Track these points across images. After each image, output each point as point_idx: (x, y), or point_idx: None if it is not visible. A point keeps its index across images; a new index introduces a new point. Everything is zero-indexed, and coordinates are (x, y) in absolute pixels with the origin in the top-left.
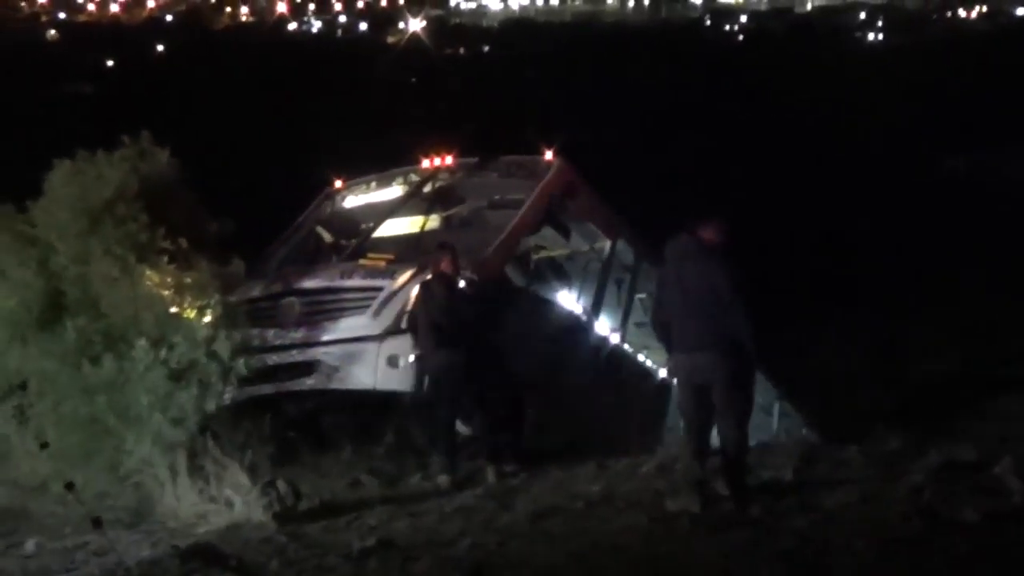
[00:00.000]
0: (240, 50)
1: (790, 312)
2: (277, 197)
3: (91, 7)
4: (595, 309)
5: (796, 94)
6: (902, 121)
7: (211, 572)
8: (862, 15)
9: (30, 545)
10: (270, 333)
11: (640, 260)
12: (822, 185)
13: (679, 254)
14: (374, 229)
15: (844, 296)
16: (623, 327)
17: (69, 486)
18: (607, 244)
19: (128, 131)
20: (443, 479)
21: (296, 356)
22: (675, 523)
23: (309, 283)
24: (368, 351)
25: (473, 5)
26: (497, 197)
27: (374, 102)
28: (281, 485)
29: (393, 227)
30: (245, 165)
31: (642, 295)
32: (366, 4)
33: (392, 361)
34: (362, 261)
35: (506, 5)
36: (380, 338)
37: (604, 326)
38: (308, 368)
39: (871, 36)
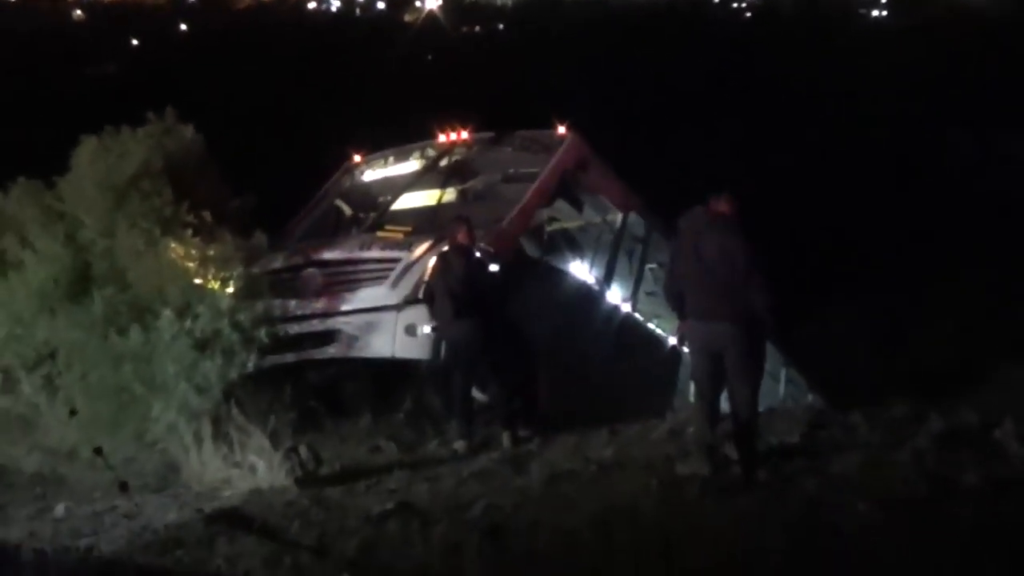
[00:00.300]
0: (261, 29)
1: (799, 285)
2: (298, 172)
3: None
4: (607, 279)
5: (802, 72)
6: (904, 98)
7: (235, 535)
8: None
9: (60, 509)
10: (292, 303)
11: (651, 231)
12: (830, 164)
13: (696, 226)
14: (392, 202)
15: (851, 270)
16: (634, 296)
17: (98, 452)
18: (619, 216)
19: (153, 108)
20: (460, 444)
21: (317, 325)
22: (686, 486)
23: (329, 255)
24: (387, 320)
25: None
26: (512, 171)
27: (392, 79)
28: (303, 451)
29: (410, 200)
30: (267, 141)
31: (652, 265)
32: None
33: (410, 330)
34: (380, 233)
35: None
36: (398, 308)
37: (616, 295)
38: (329, 337)
39: (875, 13)
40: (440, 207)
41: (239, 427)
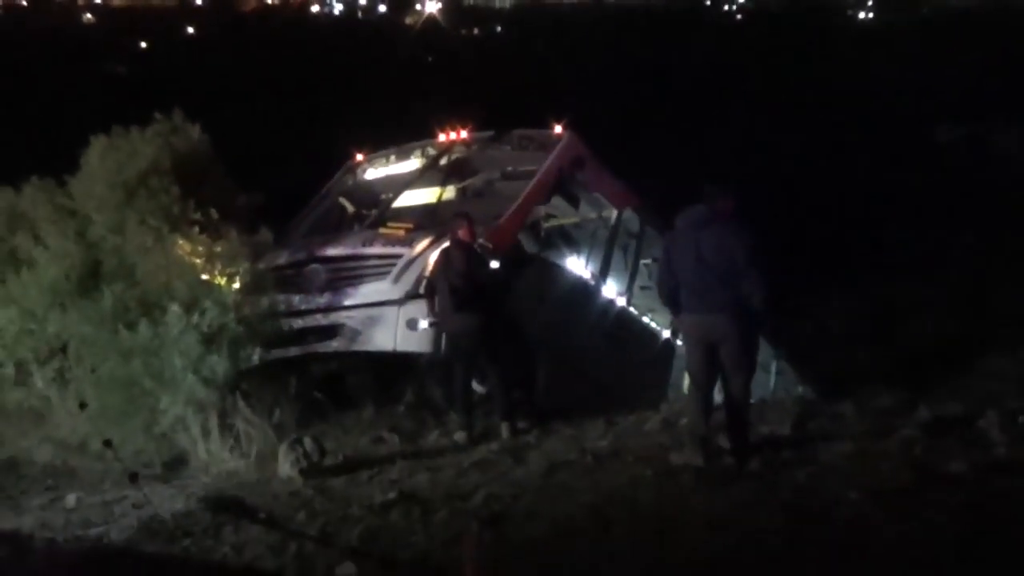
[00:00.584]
0: (266, 31)
1: (789, 276)
2: (302, 170)
3: None
4: (603, 274)
5: (792, 70)
6: (895, 95)
7: (241, 524)
8: None
9: (71, 499)
10: (296, 298)
11: (645, 227)
12: (819, 156)
13: (696, 222)
14: (393, 199)
15: (840, 261)
16: (629, 291)
17: (107, 444)
18: (614, 212)
19: (161, 108)
20: (460, 436)
21: (321, 320)
22: (680, 476)
23: (333, 251)
24: (388, 315)
25: None
26: (510, 169)
27: (393, 80)
28: (307, 442)
29: (411, 198)
30: (272, 140)
31: (647, 260)
32: None
33: (411, 324)
34: (382, 230)
35: None
36: (400, 302)
37: (611, 290)
38: (332, 331)
39: (862, 15)
40: (440, 204)
41: (245, 419)
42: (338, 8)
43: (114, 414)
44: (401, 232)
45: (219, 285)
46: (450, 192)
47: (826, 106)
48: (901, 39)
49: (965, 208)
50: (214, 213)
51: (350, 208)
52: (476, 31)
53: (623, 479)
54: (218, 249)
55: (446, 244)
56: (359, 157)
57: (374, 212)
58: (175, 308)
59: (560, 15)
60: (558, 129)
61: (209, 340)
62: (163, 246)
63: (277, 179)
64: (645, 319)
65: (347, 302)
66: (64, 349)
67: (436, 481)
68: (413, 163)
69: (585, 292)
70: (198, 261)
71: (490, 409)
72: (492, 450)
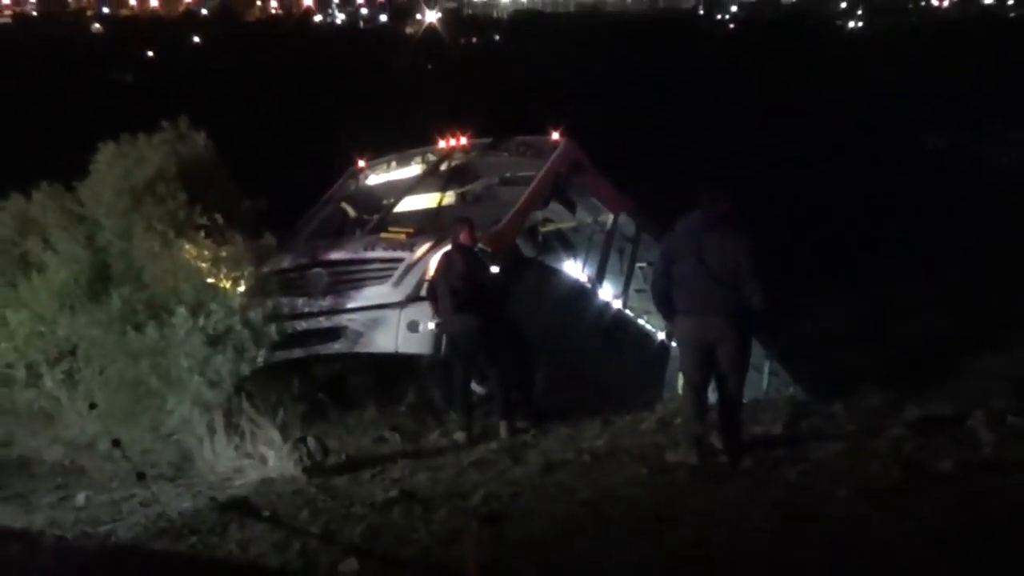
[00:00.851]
0: (270, 40)
1: (786, 278)
2: (305, 176)
3: (132, 2)
4: (599, 277)
5: (785, 78)
6: (885, 103)
7: (247, 521)
8: (843, 4)
9: (81, 498)
10: (299, 301)
11: (640, 232)
12: (813, 161)
13: (700, 225)
14: (394, 205)
15: (832, 264)
16: (625, 294)
17: (116, 443)
18: (610, 217)
19: (167, 116)
20: (460, 435)
21: (324, 322)
22: (675, 474)
23: (335, 255)
24: (390, 317)
25: None
26: (508, 174)
27: (394, 88)
28: (311, 441)
29: (412, 203)
30: (276, 146)
31: (642, 264)
32: None
33: (412, 326)
34: (384, 234)
35: None
36: (401, 305)
37: (607, 293)
38: (335, 333)
39: (851, 24)
40: (440, 209)
41: (250, 419)
42: (340, 17)
43: (122, 414)
44: (402, 237)
45: (224, 289)
46: (450, 197)
47: (816, 112)
48: (889, 48)
49: (956, 212)
50: (219, 218)
51: (352, 213)
52: (475, 40)
53: (619, 478)
54: (223, 253)
55: (447, 248)
56: (361, 163)
57: (376, 217)
58: (181, 311)
59: (557, 24)
60: (555, 136)
61: (215, 342)
62: (170, 251)
63: (280, 185)
64: (640, 321)
65: (349, 305)
66: (73, 351)
67: (436, 480)
68: (414, 169)
69: (582, 295)
70: (204, 265)
71: (489, 409)
72: (491, 449)
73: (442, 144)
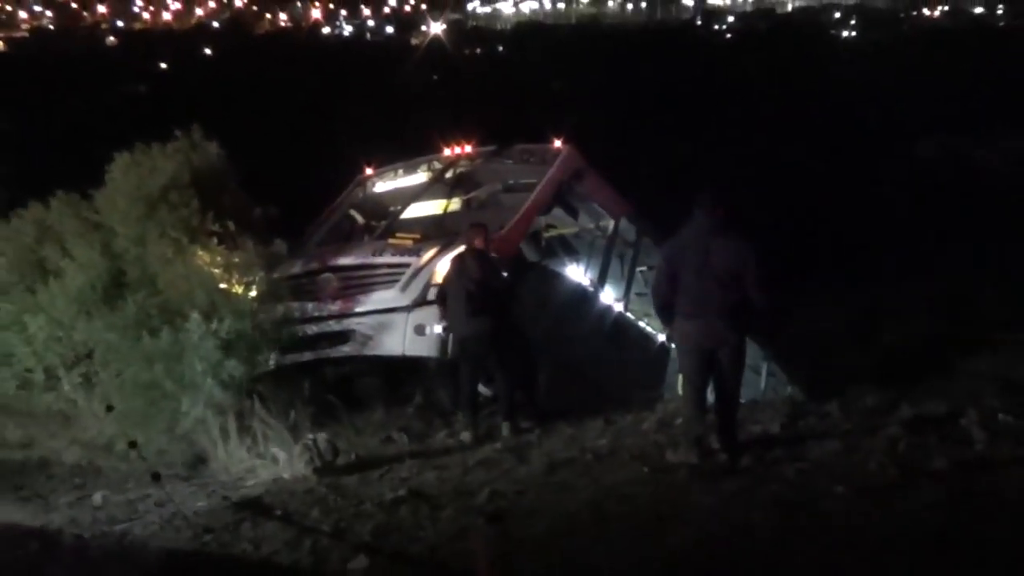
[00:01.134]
0: (280, 52)
1: (780, 281)
2: (314, 184)
3: (146, 16)
4: (601, 281)
5: (781, 85)
6: (879, 109)
7: (259, 520)
8: (837, 14)
9: (98, 497)
10: (309, 306)
11: (641, 237)
12: (808, 166)
13: (706, 231)
14: (401, 211)
15: (828, 267)
16: (626, 297)
17: (132, 444)
18: (611, 223)
19: (180, 126)
20: (466, 435)
21: (333, 326)
22: (675, 473)
23: (344, 260)
24: (397, 321)
25: (488, 9)
26: (512, 181)
27: (401, 97)
28: (321, 442)
29: (418, 209)
30: (286, 155)
31: (643, 268)
32: (392, 9)
33: (419, 330)
34: (391, 240)
35: (518, 9)
36: (408, 309)
37: (609, 296)
38: (344, 337)
39: (845, 33)
40: (446, 216)
41: (262, 421)
42: (348, 29)
43: (138, 416)
44: (409, 242)
45: (236, 293)
46: (455, 204)
47: (812, 118)
48: (883, 56)
49: (948, 216)
50: (231, 225)
51: (360, 220)
52: (479, 50)
53: (621, 476)
54: (235, 259)
55: (459, 251)
56: (369, 171)
57: (383, 223)
58: (195, 316)
59: (559, 35)
60: (558, 143)
61: (227, 346)
62: (183, 257)
63: (290, 192)
64: (641, 323)
65: (358, 309)
66: (90, 355)
67: (443, 479)
68: (420, 177)
69: (584, 298)
70: (216, 271)
71: (494, 410)
72: (496, 449)
73: (447, 152)
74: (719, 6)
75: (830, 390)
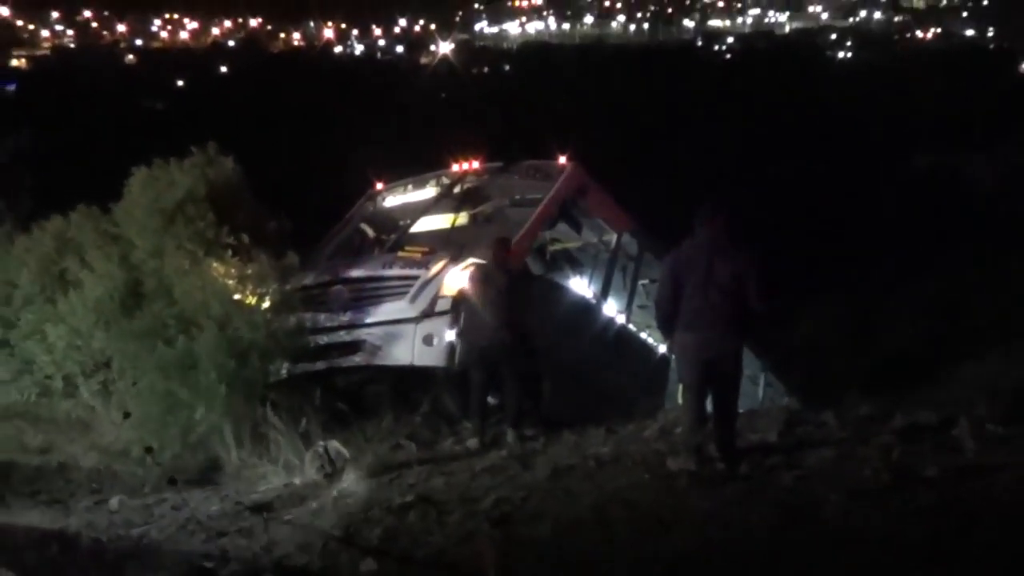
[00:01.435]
0: (293, 70)
1: (779, 290)
2: (326, 198)
3: (164, 35)
4: (604, 293)
5: (779, 104)
6: (873, 126)
7: (271, 524)
8: (833, 36)
9: (115, 501)
10: (321, 316)
11: (643, 251)
12: (804, 180)
13: (706, 245)
14: (411, 225)
15: (823, 278)
16: (628, 309)
17: (148, 450)
18: (614, 237)
19: (196, 142)
20: (473, 442)
21: (344, 336)
22: (676, 480)
23: (355, 272)
24: (406, 331)
25: (495, 30)
26: (518, 197)
27: (410, 114)
28: (331, 449)
29: (427, 223)
30: (299, 170)
31: (644, 281)
32: (402, 29)
33: (427, 340)
34: (400, 253)
35: (523, 30)
36: (417, 320)
37: (612, 308)
38: (354, 347)
39: (840, 54)
40: (454, 230)
41: (274, 428)
42: (359, 48)
43: (154, 423)
44: (418, 255)
45: (250, 304)
46: (463, 218)
47: (809, 133)
48: (877, 76)
49: (941, 228)
50: (246, 238)
51: (371, 233)
52: (486, 69)
53: (623, 482)
54: (249, 271)
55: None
56: (379, 186)
57: (393, 237)
58: (210, 326)
59: (564, 55)
60: (562, 160)
61: (241, 355)
62: (199, 269)
63: (303, 206)
64: (643, 335)
65: (368, 320)
66: (108, 363)
67: (450, 485)
68: (429, 191)
69: (588, 310)
70: (231, 282)
71: (500, 418)
72: (501, 456)
73: (455, 168)
74: (719, 28)
75: (826, 399)
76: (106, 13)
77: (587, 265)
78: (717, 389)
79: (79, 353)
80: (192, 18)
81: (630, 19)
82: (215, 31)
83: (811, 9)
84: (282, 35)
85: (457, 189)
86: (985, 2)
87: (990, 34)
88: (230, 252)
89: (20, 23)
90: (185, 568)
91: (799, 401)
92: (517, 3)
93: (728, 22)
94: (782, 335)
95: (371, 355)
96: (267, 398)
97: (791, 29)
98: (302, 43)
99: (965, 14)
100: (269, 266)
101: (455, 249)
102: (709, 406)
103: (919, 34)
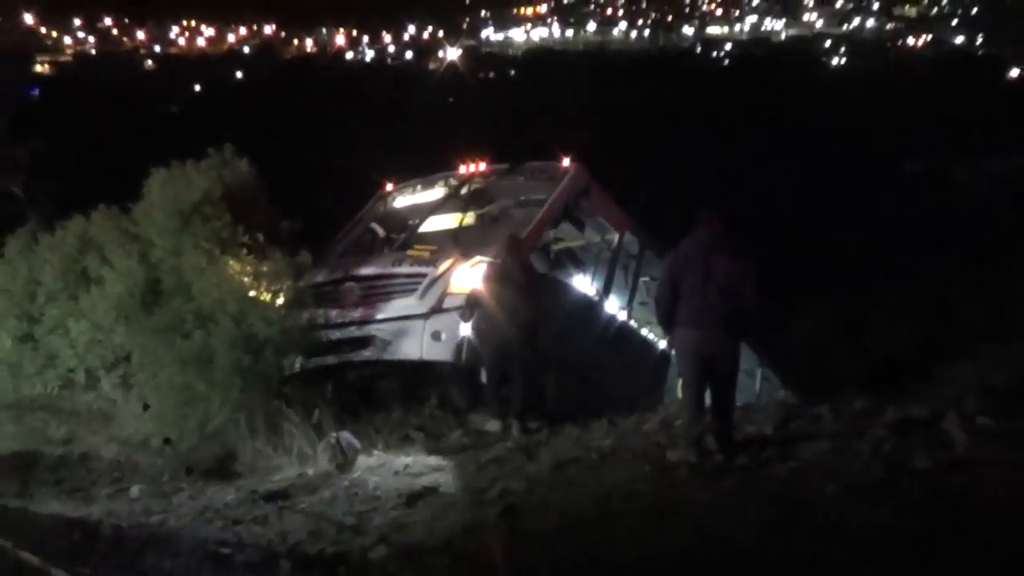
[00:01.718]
0: (305, 75)
1: (774, 290)
2: (338, 198)
3: (181, 42)
4: (606, 291)
5: (776, 109)
6: (867, 132)
7: (284, 513)
8: (827, 43)
9: (134, 490)
10: (333, 313)
11: (644, 249)
12: (801, 184)
13: (706, 246)
14: (419, 225)
15: (819, 278)
16: (629, 305)
17: (166, 441)
18: (615, 236)
19: (213, 144)
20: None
21: (355, 332)
22: (675, 471)
23: (365, 270)
24: (415, 327)
25: (501, 36)
26: (523, 197)
27: (419, 118)
28: (343, 440)
29: (435, 223)
30: (311, 171)
31: (645, 279)
32: (411, 36)
33: (436, 335)
34: (410, 251)
35: (528, 36)
36: (425, 316)
37: (613, 305)
38: (365, 342)
39: (835, 61)
40: (461, 229)
41: (288, 420)
42: (370, 55)
43: (172, 415)
44: (426, 254)
45: (265, 301)
46: (470, 218)
47: (805, 138)
48: (870, 82)
49: (932, 231)
50: (260, 237)
51: (381, 232)
52: (492, 74)
53: (624, 474)
54: (264, 269)
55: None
56: (389, 187)
57: (402, 236)
58: (226, 321)
59: (568, 61)
60: (566, 162)
61: (256, 350)
62: (216, 266)
63: (316, 206)
64: (644, 331)
65: (378, 316)
66: (128, 357)
67: (457, 475)
68: (437, 192)
69: (590, 307)
70: (246, 280)
71: (506, 411)
72: (507, 448)
73: (463, 169)
74: (717, 35)
75: (820, 394)
76: (126, 20)
77: (589, 263)
78: (715, 384)
79: (100, 347)
80: (209, 25)
81: (631, 26)
82: (231, 38)
83: (806, 17)
84: (295, 42)
85: (464, 190)
86: (974, 11)
87: (979, 41)
88: (245, 251)
89: (44, 30)
90: (202, 554)
91: (795, 395)
92: (522, 11)
93: (726, 29)
94: (780, 334)
95: (381, 350)
96: (281, 391)
97: (787, 36)
98: (314, 50)
99: (955, 22)
100: (283, 264)
101: (462, 247)
102: (708, 400)
103: (911, 41)
